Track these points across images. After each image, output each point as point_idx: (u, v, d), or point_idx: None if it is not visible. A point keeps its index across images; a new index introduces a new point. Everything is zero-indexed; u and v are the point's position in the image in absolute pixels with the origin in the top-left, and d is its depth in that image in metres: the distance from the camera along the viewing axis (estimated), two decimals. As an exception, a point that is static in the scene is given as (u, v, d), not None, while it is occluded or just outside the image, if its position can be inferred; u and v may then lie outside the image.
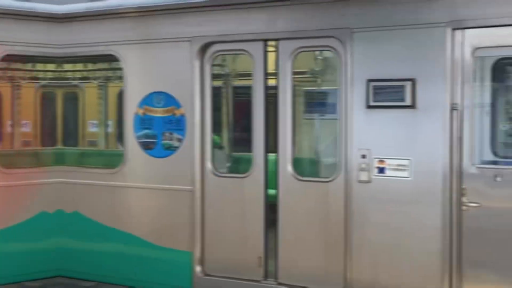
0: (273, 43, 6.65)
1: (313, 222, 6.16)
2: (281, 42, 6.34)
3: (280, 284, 6.33)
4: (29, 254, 7.30)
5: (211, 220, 6.74)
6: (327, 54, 6.89)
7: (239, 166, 7.15)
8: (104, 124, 9.01)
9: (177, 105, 6.85)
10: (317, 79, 7.37)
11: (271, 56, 6.69)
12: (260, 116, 6.45)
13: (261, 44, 6.48)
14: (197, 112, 6.75)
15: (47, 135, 7.95)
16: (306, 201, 6.20)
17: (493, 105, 5.81)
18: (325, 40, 6.12)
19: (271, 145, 6.70)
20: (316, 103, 6.99)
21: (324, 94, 7.02)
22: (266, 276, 6.45)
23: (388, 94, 5.70)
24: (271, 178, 6.71)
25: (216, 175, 6.69)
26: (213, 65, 7.04)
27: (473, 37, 5.38)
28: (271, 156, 6.75)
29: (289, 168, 6.24)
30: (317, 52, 6.93)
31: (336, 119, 6.29)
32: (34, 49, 7.40)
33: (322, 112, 6.92)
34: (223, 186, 6.68)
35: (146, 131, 7.07)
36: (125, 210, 7.25)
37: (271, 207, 6.67)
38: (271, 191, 6.67)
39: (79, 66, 8.60)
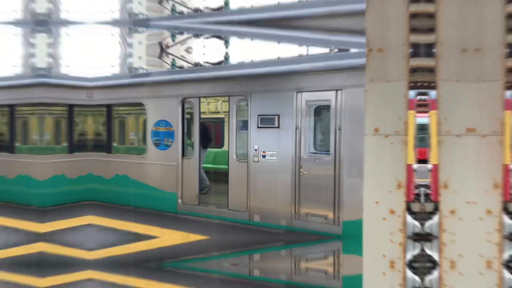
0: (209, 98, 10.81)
1: (240, 180, 9.73)
2: (231, 98, 10.04)
3: (230, 209, 9.81)
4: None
5: (185, 179, 10.65)
6: (242, 102, 10.16)
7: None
8: (137, 134, 12.47)
9: (171, 126, 10.68)
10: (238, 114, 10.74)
11: (214, 104, 11.09)
12: (197, 131, 10.21)
13: (197, 99, 10.49)
14: (179, 129, 10.66)
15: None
16: (239, 170, 9.81)
17: (315, 127, 8.92)
18: (240, 97, 9.92)
19: (214, 144, 10.87)
20: (241, 125, 10.30)
21: (242, 121, 10.31)
22: (199, 203, 10.40)
23: (267, 121, 9.25)
24: (211, 160, 10.98)
25: (184, 158, 10.61)
26: (186, 108, 10.79)
27: (305, 96, 8.79)
28: (213, 150, 10.90)
29: (234, 155, 10.01)
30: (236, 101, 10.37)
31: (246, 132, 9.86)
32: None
33: (242, 129, 10.21)
34: (189, 163, 10.57)
35: (156, 137, 10.77)
36: (148, 174, 11.12)
37: (219, 174, 10.87)
38: (215, 166, 10.95)
39: (127, 108, 12.38)
